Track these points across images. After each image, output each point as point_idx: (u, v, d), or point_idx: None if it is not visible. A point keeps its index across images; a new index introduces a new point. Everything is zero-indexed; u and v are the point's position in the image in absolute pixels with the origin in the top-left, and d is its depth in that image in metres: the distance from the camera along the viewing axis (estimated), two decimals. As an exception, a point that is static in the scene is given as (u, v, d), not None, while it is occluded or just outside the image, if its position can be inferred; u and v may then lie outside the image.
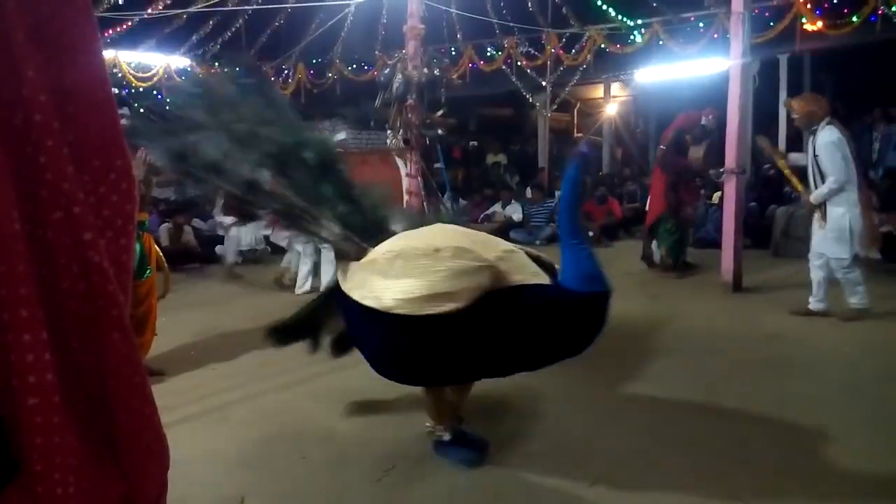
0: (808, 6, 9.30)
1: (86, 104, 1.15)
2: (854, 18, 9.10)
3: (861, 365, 4.27)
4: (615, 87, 14.92)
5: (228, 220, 8.52)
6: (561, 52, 11.35)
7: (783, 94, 10.66)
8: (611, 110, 14.83)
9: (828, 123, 5.13)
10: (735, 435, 3.19)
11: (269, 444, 3.26)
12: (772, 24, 9.30)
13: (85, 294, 1.11)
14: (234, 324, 5.56)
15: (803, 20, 9.37)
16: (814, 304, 5.33)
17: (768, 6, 9.46)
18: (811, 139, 5.21)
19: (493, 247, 2.74)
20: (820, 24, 9.32)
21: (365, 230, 3.02)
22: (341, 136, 7.08)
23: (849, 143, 5.11)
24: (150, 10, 9.52)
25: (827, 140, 5.06)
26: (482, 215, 10.75)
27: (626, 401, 3.72)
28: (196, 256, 8.95)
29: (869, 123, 11.16)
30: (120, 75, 10.99)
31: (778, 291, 6.17)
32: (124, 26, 10.08)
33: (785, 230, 8.13)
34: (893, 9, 8.83)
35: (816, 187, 5.18)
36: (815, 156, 5.17)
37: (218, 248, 9.59)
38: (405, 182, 6.27)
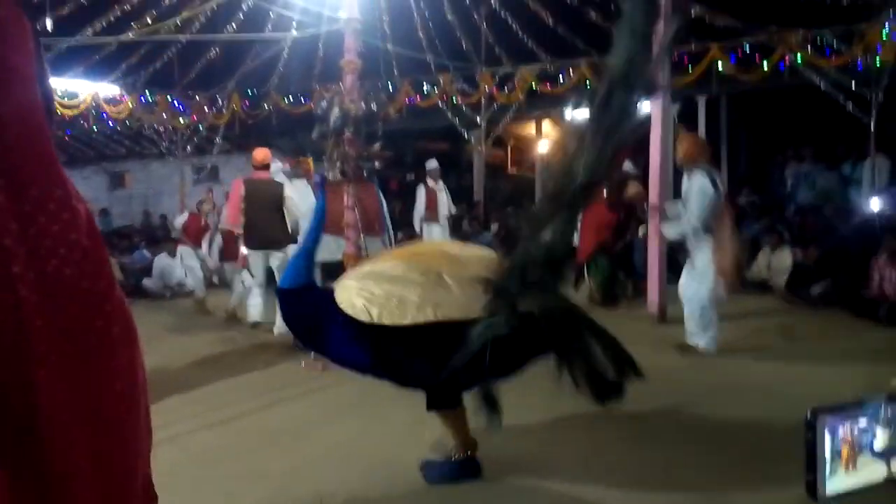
0: (723, 52, 9.95)
1: (20, 133, 1.14)
2: (764, 65, 9.80)
3: (780, 394, 4.51)
4: (546, 125, 15.43)
5: (190, 252, 8.46)
6: (495, 89, 11.70)
7: (702, 134, 11.28)
8: (543, 147, 15.30)
9: (701, 168, 5.30)
10: (660, 461, 3.30)
11: (196, 485, 3.16)
12: (690, 67, 9.89)
13: (5, 329, 1.08)
14: (158, 361, 5.38)
15: (719, 65, 10.01)
16: (692, 338, 5.46)
17: (687, 52, 10.06)
18: (684, 178, 5.45)
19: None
20: (734, 69, 9.99)
21: None
22: (277, 167, 7.02)
23: (717, 189, 5.28)
24: (78, 37, 9.27)
25: (698, 185, 5.23)
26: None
27: (553, 428, 3.79)
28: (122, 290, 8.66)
29: (781, 162, 11.92)
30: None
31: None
32: (50, 53, 9.77)
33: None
34: (798, 57, 9.57)
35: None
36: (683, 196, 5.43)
37: (145, 281, 9.30)
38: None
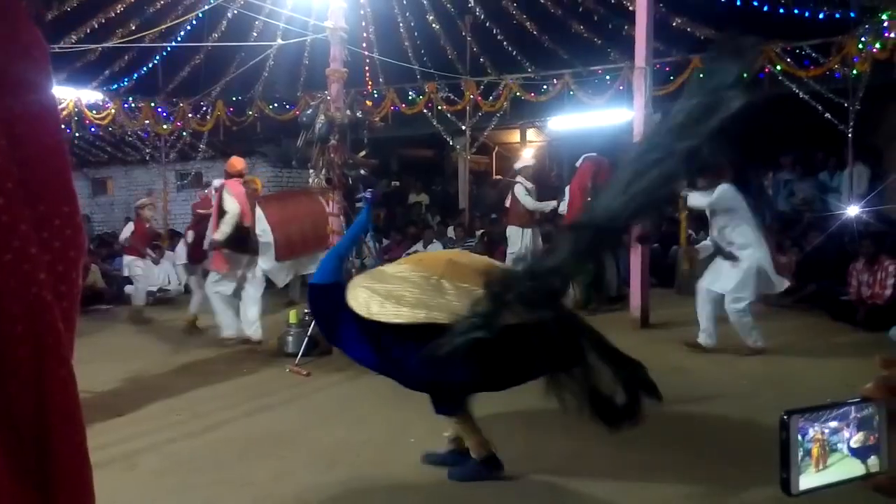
0: (705, 63, 10.10)
1: (37, 149, 1.16)
2: (745, 75, 9.95)
3: (758, 396, 4.58)
4: (531, 133, 15.54)
5: (139, 262, 8.22)
6: (479, 98, 11.77)
7: (684, 143, 11.42)
8: (527, 154, 15.40)
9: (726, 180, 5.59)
10: (641, 462, 3.34)
11: (181, 493, 3.15)
12: (672, 78, 10.02)
13: (23, 335, 1.10)
14: (142, 368, 5.35)
15: (700, 75, 10.15)
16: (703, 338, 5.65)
17: (669, 62, 10.19)
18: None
19: None
20: (715, 79, 10.13)
21: None
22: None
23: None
24: (62, 43, 9.20)
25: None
26: (404, 254, 10.83)
27: (543, 432, 3.82)
28: (104, 297, 8.57)
29: (760, 170, 12.09)
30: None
31: (682, 327, 6.52)
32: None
33: (688, 271, 8.63)
34: (778, 67, 9.74)
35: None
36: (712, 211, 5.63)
37: (127, 288, 9.23)
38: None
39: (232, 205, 6.19)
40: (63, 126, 11.46)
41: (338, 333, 3.22)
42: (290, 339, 5.78)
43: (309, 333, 5.54)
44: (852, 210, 9.18)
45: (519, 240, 8.16)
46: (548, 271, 2.72)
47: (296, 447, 3.65)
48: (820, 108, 9.57)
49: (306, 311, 5.49)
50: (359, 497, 3.06)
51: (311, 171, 6.49)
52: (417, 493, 3.08)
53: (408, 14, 10.51)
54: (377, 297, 2.87)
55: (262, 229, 6.15)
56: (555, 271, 2.71)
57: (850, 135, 9.62)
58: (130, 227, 8.59)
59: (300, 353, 5.49)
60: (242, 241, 6.24)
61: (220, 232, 6.11)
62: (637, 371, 2.89)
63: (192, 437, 3.85)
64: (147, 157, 14.32)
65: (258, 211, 6.24)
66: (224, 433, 3.93)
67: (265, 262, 6.21)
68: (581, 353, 2.79)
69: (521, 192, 8.17)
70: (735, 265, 5.48)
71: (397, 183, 16.48)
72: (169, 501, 3.07)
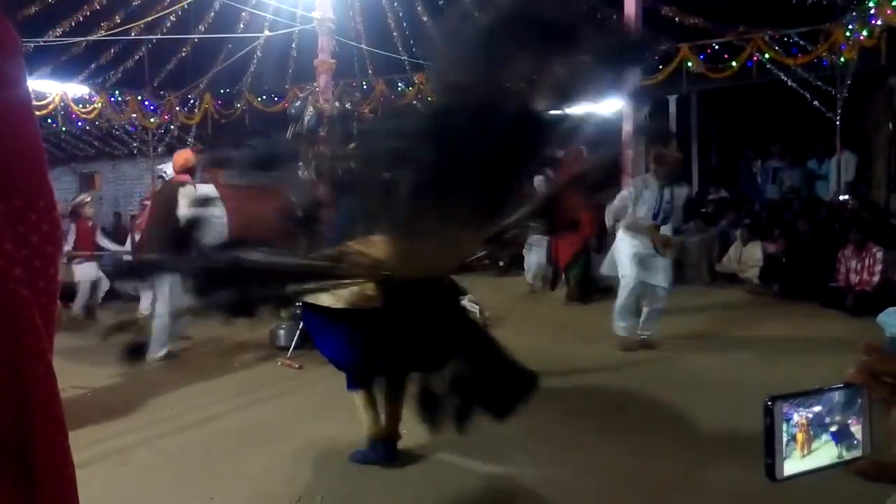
0: (693, 52, 10.12)
1: (10, 143, 1.15)
2: (733, 63, 9.99)
3: (747, 383, 4.61)
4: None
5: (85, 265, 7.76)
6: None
7: (672, 131, 11.46)
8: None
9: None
10: (632, 452, 3.37)
11: (175, 487, 3.15)
12: (661, 67, 10.03)
13: (0, 334, 1.09)
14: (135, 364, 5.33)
15: (689, 65, 10.17)
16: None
17: (657, 51, 10.20)
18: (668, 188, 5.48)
19: None
20: (703, 67, 10.16)
21: None
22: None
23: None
24: (47, 36, 9.10)
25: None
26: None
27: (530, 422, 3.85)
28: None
29: (750, 159, 12.16)
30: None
31: (673, 316, 6.56)
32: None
33: (678, 259, 8.68)
34: (766, 56, 9.77)
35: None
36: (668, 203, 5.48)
37: (116, 283, 9.03)
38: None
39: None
40: (44, 118, 11.37)
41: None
42: (282, 332, 5.78)
43: (300, 327, 5.54)
44: (840, 197, 9.26)
45: None
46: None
47: (289, 440, 3.66)
48: (808, 95, 9.62)
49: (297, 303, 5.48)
50: (352, 490, 3.07)
51: (299, 163, 6.46)
52: (410, 484, 3.10)
53: (395, 4, 10.46)
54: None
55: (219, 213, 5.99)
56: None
57: (837, 122, 9.68)
58: (72, 228, 7.76)
59: (292, 347, 5.49)
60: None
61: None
62: (513, 364, 2.96)
63: (184, 432, 3.85)
64: (135, 151, 14.23)
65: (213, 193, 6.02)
66: (216, 427, 3.93)
67: None
68: (453, 354, 2.91)
69: None
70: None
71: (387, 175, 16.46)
72: (162, 496, 3.07)
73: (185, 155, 6.01)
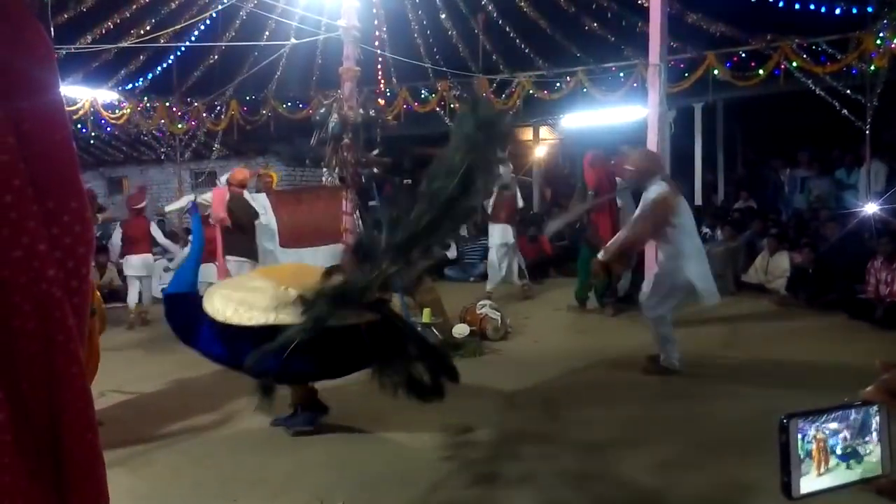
0: (719, 60, 10.02)
1: (44, 146, 1.17)
2: (760, 71, 9.86)
3: (773, 395, 4.54)
4: (543, 131, 15.47)
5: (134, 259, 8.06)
6: (492, 96, 11.73)
7: (698, 140, 11.34)
8: (539, 152, 15.34)
9: (661, 179, 4.91)
10: (653, 461, 3.33)
11: (196, 488, 3.19)
12: (686, 74, 9.94)
13: (35, 332, 1.12)
14: (158, 366, 5.41)
15: (715, 72, 10.07)
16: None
17: (683, 58, 10.12)
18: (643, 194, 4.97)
19: None
20: (730, 75, 10.05)
21: None
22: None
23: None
24: (78, 44, 9.31)
25: (653, 195, 4.78)
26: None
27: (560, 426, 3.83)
28: (120, 295, 8.66)
29: (777, 168, 11.98)
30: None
31: (694, 326, 6.47)
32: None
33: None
34: (794, 64, 9.63)
35: None
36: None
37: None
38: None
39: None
40: (74, 123, 11.61)
41: (194, 336, 3.71)
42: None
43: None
44: (870, 207, 9.07)
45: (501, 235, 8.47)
46: (367, 281, 3.21)
47: (310, 444, 3.68)
48: (837, 104, 9.45)
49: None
50: (373, 495, 3.08)
51: (324, 169, 6.53)
52: (434, 492, 3.09)
53: (420, 12, 10.52)
54: (231, 303, 3.41)
55: (268, 219, 6.54)
56: (371, 282, 3.21)
57: (867, 131, 9.50)
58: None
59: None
60: (246, 248, 6.38)
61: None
62: (442, 358, 3.56)
63: (206, 433, 3.90)
64: (162, 157, 14.45)
65: (265, 202, 6.62)
66: (238, 430, 3.96)
67: (269, 244, 6.55)
68: (401, 346, 3.41)
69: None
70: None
71: (410, 181, 16.51)
72: (186, 495, 3.11)
73: (243, 172, 6.91)
